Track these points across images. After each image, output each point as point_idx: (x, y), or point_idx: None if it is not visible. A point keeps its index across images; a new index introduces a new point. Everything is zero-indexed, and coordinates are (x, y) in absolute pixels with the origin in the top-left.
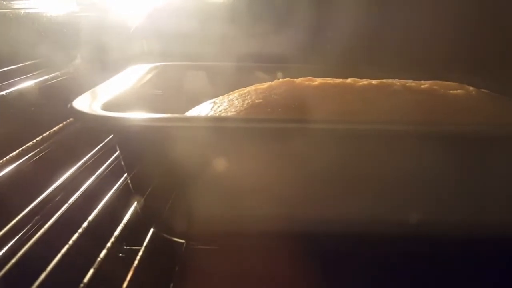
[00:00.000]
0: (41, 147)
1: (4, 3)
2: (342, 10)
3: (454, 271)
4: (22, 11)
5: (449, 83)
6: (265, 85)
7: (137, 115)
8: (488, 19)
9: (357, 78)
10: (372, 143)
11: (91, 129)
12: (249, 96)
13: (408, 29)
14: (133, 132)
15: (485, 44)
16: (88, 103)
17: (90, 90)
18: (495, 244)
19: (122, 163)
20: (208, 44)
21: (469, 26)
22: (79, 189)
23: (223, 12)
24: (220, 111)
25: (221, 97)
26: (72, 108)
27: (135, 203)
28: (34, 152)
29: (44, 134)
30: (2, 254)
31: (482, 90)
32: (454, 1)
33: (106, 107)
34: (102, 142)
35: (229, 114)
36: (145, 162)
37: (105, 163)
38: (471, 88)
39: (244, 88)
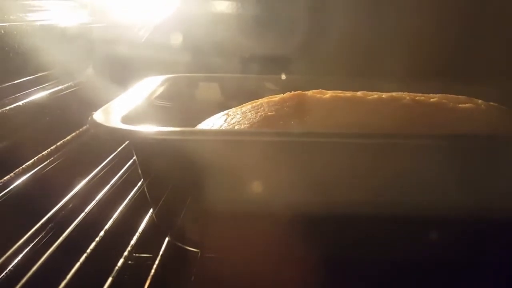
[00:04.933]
0: (55, 156)
1: (20, 15)
2: (344, 17)
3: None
4: (37, 23)
5: (458, 96)
6: (277, 97)
7: (155, 128)
8: (491, 24)
9: (367, 88)
10: (377, 154)
11: (109, 140)
12: (262, 108)
13: (410, 35)
14: (151, 144)
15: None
16: (107, 116)
17: (108, 103)
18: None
19: (140, 172)
20: (217, 53)
21: (471, 31)
22: (94, 198)
23: (231, 21)
24: (233, 123)
25: (234, 109)
26: (93, 121)
27: (150, 211)
28: (49, 160)
29: (58, 143)
30: (22, 263)
31: (491, 103)
32: (456, 7)
33: (125, 119)
34: (115, 151)
35: (242, 126)
36: (161, 172)
37: (119, 172)
38: (480, 101)
39: (257, 100)
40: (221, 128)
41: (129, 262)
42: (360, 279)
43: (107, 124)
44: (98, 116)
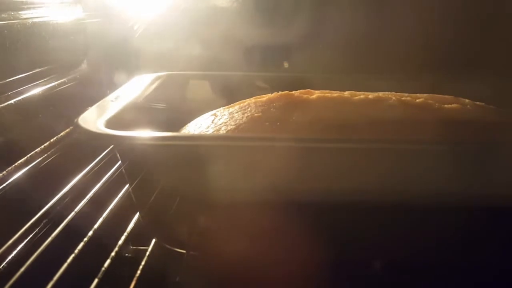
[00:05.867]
0: (49, 152)
1: (13, 13)
2: (347, 6)
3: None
4: (30, 20)
5: (444, 96)
6: (264, 97)
7: (139, 133)
8: (489, 20)
9: (359, 85)
10: (359, 157)
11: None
12: (249, 109)
13: (409, 33)
14: (136, 149)
15: (486, 44)
16: (93, 119)
17: (95, 105)
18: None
19: (125, 176)
20: (217, 44)
21: (470, 27)
22: (85, 196)
23: (231, 10)
24: (220, 124)
25: (222, 109)
26: (77, 125)
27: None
28: (42, 157)
29: (52, 140)
30: (11, 263)
31: (478, 103)
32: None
33: (111, 122)
34: (108, 148)
35: (229, 127)
36: (146, 177)
37: (110, 169)
38: (467, 101)
39: (244, 101)
40: (208, 129)
41: (116, 263)
42: (353, 279)
43: (90, 129)
44: (83, 119)
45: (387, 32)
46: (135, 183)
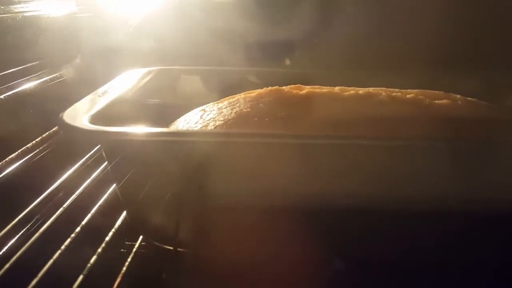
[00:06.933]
0: (40, 148)
1: (2, 7)
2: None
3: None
4: (20, 15)
5: (435, 92)
6: (254, 93)
7: (124, 129)
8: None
9: (354, 79)
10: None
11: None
12: (238, 104)
13: (410, 29)
14: (120, 145)
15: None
16: (78, 114)
17: (82, 100)
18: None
19: (111, 174)
20: (216, 39)
21: (469, 26)
22: (75, 192)
23: (225, 8)
24: (208, 120)
25: (211, 105)
26: (61, 120)
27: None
28: (33, 153)
29: (44, 135)
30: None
31: (469, 99)
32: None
33: (97, 117)
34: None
35: (217, 123)
36: (133, 174)
37: (101, 164)
38: (459, 96)
39: (234, 96)
40: (196, 124)
41: (102, 259)
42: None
43: (74, 124)
44: (67, 114)
45: (389, 28)
46: (121, 180)
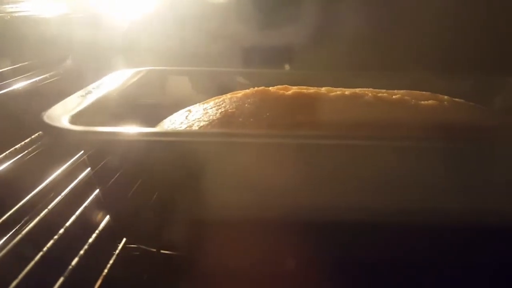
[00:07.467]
0: (29, 149)
1: None
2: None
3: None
4: (8, 15)
5: (422, 92)
6: (240, 93)
7: (105, 129)
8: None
9: (343, 80)
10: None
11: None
12: (224, 104)
13: (415, 28)
14: (102, 147)
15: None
16: (59, 114)
17: (64, 100)
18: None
19: (93, 177)
20: (212, 43)
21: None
22: (61, 193)
23: (218, 10)
24: (193, 120)
25: (197, 105)
26: (41, 121)
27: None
28: (22, 154)
29: (33, 136)
30: None
31: (457, 100)
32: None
33: (78, 118)
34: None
35: (202, 123)
36: (114, 177)
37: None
38: (446, 97)
39: (220, 96)
40: (181, 124)
41: (84, 261)
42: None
43: (55, 124)
44: (48, 115)
45: (391, 29)
46: (102, 182)
